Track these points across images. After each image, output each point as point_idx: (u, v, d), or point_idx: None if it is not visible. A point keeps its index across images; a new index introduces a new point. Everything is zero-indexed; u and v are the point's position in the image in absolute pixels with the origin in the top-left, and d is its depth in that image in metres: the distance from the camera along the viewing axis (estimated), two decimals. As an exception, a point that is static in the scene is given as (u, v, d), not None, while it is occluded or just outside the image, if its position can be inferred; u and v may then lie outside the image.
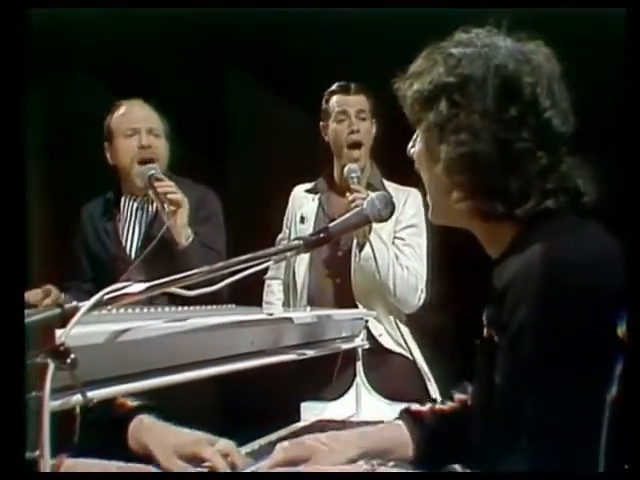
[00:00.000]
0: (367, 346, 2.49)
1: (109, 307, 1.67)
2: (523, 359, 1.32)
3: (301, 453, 1.62)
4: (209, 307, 2.19)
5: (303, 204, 3.41)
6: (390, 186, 3.31)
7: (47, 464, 1.17)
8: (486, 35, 1.52)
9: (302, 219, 3.35)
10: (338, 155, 3.34)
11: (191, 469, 1.60)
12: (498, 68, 1.45)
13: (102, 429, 1.59)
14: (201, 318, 1.75)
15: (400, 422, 1.73)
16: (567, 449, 1.28)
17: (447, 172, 1.49)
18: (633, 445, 1.32)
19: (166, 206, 2.93)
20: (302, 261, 3.27)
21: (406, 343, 3.16)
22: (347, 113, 3.30)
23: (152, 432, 1.67)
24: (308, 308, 2.87)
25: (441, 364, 3.29)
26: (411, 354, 3.15)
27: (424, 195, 1.64)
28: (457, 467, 1.40)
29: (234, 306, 2.43)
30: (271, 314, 2.03)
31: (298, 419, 2.33)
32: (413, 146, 1.59)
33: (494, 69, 1.45)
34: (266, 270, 3.07)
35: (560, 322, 1.30)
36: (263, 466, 1.64)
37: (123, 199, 3.17)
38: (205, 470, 1.63)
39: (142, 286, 1.50)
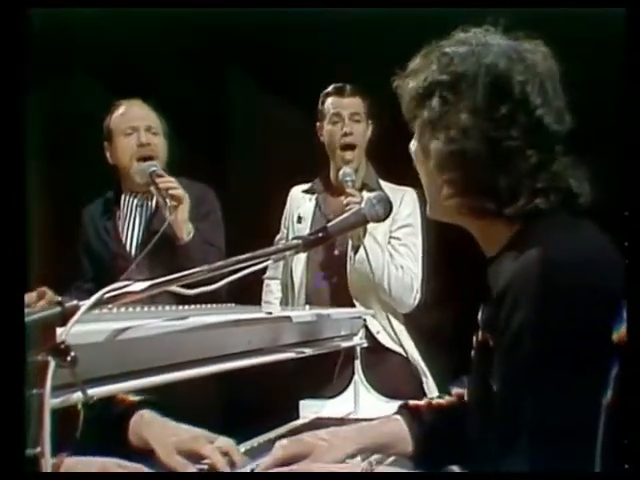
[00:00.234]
0: (366, 344, 2.51)
1: (110, 306, 1.69)
2: (522, 361, 1.33)
3: (300, 450, 1.62)
4: (208, 306, 2.21)
5: (300, 204, 3.44)
6: (386, 186, 3.33)
7: (48, 461, 1.18)
8: (482, 34, 1.53)
9: (299, 219, 3.38)
10: (332, 156, 3.38)
11: (190, 466, 1.61)
12: (489, 66, 1.46)
13: (103, 425, 1.60)
14: (200, 317, 1.76)
15: (398, 417, 1.73)
16: (566, 449, 1.29)
17: (438, 168, 1.50)
18: (633, 445, 1.34)
19: (168, 201, 2.96)
20: (299, 261, 3.29)
21: (400, 341, 3.18)
22: (341, 115, 3.34)
23: (152, 428, 1.68)
24: (307, 307, 2.89)
25: (438, 361, 3.31)
26: (405, 351, 3.16)
27: (420, 194, 1.65)
28: (455, 468, 1.41)
29: (234, 305, 2.45)
30: (270, 313, 2.04)
31: (297, 417, 2.34)
32: (413, 144, 1.61)
33: (485, 67, 1.46)
34: (265, 270, 3.09)
35: (558, 323, 1.31)
36: (263, 464, 1.64)
37: (123, 197, 3.20)
38: (204, 467, 1.65)
39: (142, 285, 1.51)
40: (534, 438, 1.30)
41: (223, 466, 1.63)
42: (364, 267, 3.12)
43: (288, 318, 2.07)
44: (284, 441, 1.67)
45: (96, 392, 1.33)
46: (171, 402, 1.76)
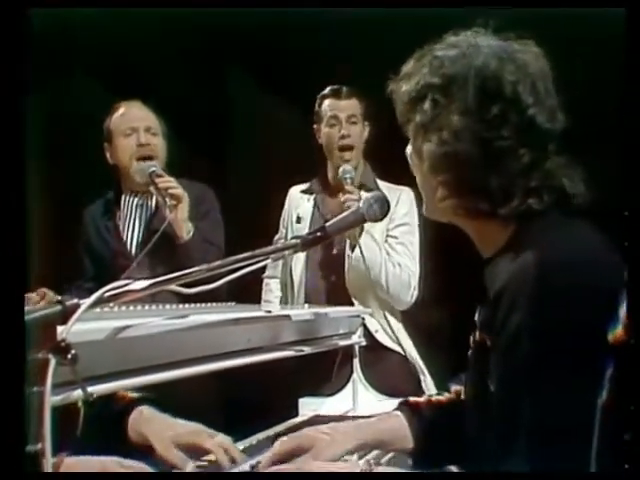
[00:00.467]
0: (364, 343, 2.53)
1: (111, 304, 1.71)
2: (519, 361, 1.34)
3: (301, 444, 1.64)
4: (208, 305, 2.22)
5: (299, 204, 3.46)
6: (383, 185, 3.36)
7: (48, 457, 1.19)
8: (473, 36, 1.54)
9: (298, 219, 3.41)
10: (330, 157, 3.40)
11: (189, 460, 1.63)
12: (480, 67, 1.47)
13: (103, 422, 1.62)
14: (200, 315, 1.78)
15: (398, 413, 1.75)
16: (563, 449, 1.30)
17: (432, 170, 1.52)
18: (633, 445, 1.35)
19: (167, 200, 2.98)
20: (299, 260, 3.31)
21: (398, 340, 3.19)
22: (338, 118, 3.37)
23: (151, 423, 1.70)
24: (306, 306, 2.90)
25: (437, 360, 3.32)
26: (403, 350, 3.17)
27: (417, 193, 1.66)
28: (454, 469, 1.42)
29: (233, 304, 2.46)
30: (269, 311, 2.06)
31: (296, 414, 2.36)
32: (409, 148, 1.62)
33: (476, 69, 1.47)
34: (264, 269, 3.10)
35: (554, 324, 1.32)
36: (265, 458, 1.65)
37: (123, 197, 3.22)
38: (203, 463, 1.66)
39: (142, 284, 1.53)
40: (532, 438, 1.31)
41: (224, 461, 1.64)
42: (361, 265, 3.13)
43: (287, 317, 2.09)
44: (285, 437, 1.69)
45: (96, 390, 1.34)
46: (171, 400, 1.78)
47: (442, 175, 1.50)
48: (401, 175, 1.68)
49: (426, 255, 3.36)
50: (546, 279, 1.35)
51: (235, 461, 1.68)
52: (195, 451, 1.67)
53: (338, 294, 3.22)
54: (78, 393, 1.29)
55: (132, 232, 3.17)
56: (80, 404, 1.31)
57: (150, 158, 3.10)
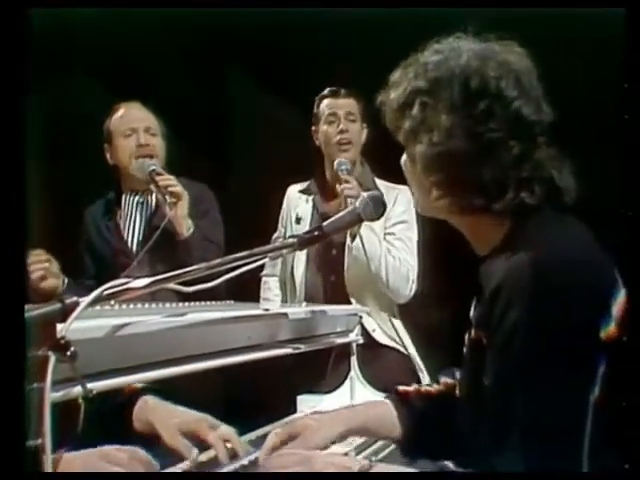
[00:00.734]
0: (361, 341, 2.55)
1: (112, 303, 1.73)
2: (514, 358, 1.36)
3: (291, 431, 1.68)
4: (207, 303, 2.24)
5: (298, 204, 3.49)
6: (381, 184, 3.38)
7: (48, 453, 1.21)
8: (454, 41, 1.58)
9: (297, 220, 3.43)
10: (329, 156, 3.42)
11: (194, 448, 1.64)
12: (463, 67, 1.51)
13: (106, 414, 1.63)
14: (199, 313, 1.80)
15: (387, 401, 1.78)
16: (556, 445, 1.32)
17: (425, 171, 1.54)
18: (633, 445, 1.38)
19: (167, 198, 3.01)
20: (300, 260, 3.34)
21: (399, 337, 3.21)
22: (336, 115, 3.40)
23: (157, 412, 1.72)
24: (304, 304, 2.92)
25: (434, 357, 3.33)
26: (404, 347, 3.19)
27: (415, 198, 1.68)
28: (449, 464, 1.44)
29: (233, 302, 2.48)
30: (267, 310, 2.08)
31: (294, 411, 2.37)
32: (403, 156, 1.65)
33: (459, 68, 1.51)
34: (262, 267, 3.12)
35: (549, 322, 1.34)
36: (262, 452, 1.67)
37: (124, 196, 3.26)
38: (203, 459, 1.68)
39: (141, 282, 1.55)
40: (525, 434, 1.33)
41: (224, 455, 1.66)
42: (361, 255, 3.15)
43: (285, 315, 2.11)
44: (276, 429, 1.73)
45: (96, 386, 1.36)
46: (170, 397, 1.80)
47: (435, 175, 1.53)
48: (399, 174, 1.69)
49: (424, 253, 3.38)
50: (542, 277, 1.37)
51: (237, 454, 1.69)
52: (199, 441, 1.69)
53: (337, 294, 3.25)
54: (78, 389, 1.31)
55: (133, 230, 3.20)
56: (80, 401, 1.33)
57: (150, 158, 3.13)
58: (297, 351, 2.11)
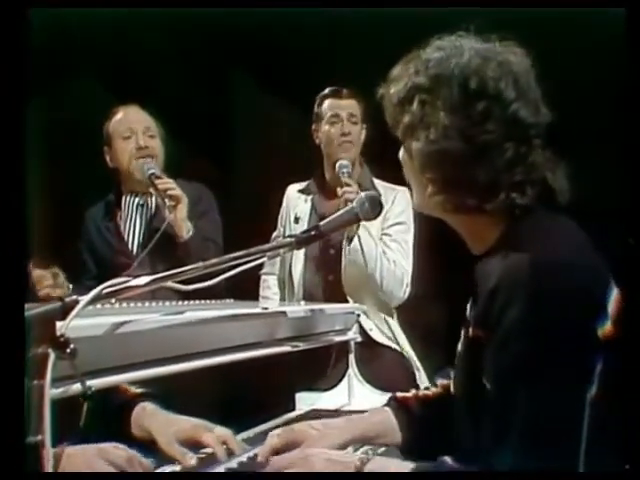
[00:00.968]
0: (359, 339, 2.57)
1: (112, 301, 1.75)
2: (513, 357, 1.37)
3: (293, 438, 1.68)
4: (207, 302, 2.26)
5: (297, 204, 3.50)
6: (379, 185, 3.39)
7: (48, 448, 1.23)
8: (456, 39, 1.58)
9: (296, 219, 3.45)
10: (329, 156, 3.42)
11: (190, 454, 1.66)
12: (463, 66, 1.51)
13: (105, 416, 1.65)
14: (198, 312, 1.82)
15: (387, 409, 1.79)
16: (554, 444, 1.33)
17: (421, 168, 1.55)
18: (633, 445, 1.40)
19: (167, 202, 3.03)
20: (298, 259, 3.36)
21: (396, 336, 3.23)
22: (339, 116, 3.39)
23: (154, 419, 1.73)
24: (302, 302, 2.95)
25: (431, 356, 3.35)
26: (401, 346, 3.21)
27: (412, 193, 1.70)
28: (447, 459, 1.45)
29: (232, 301, 2.50)
30: (266, 308, 2.10)
31: (293, 408, 2.39)
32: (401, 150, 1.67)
33: (459, 68, 1.51)
34: (261, 266, 3.14)
35: (548, 320, 1.36)
36: (260, 453, 1.68)
37: (124, 197, 3.28)
38: (202, 455, 1.70)
39: (140, 281, 1.57)
40: (523, 432, 1.34)
41: (222, 453, 1.69)
42: (358, 257, 3.17)
43: (283, 313, 2.13)
44: (277, 430, 1.73)
45: (95, 383, 1.38)
46: (170, 394, 1.82)
47: (431, 172, 1.54)
48: (398, 175, 1.71)
49: (421, 253, 3.39)
50: (540, 277, 1.38)
51: (233, 452, 1.72)
52: (196, 445, 1.71)
53: (335, 293, 3.26)
54: (77, 387, 1.33)
55: (133, 232, 3.23)
56: (82, 399, 1.35)
57: (149, 159, 3.16)
58: (296, 349, 2.13)
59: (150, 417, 1.75)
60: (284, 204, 3.56)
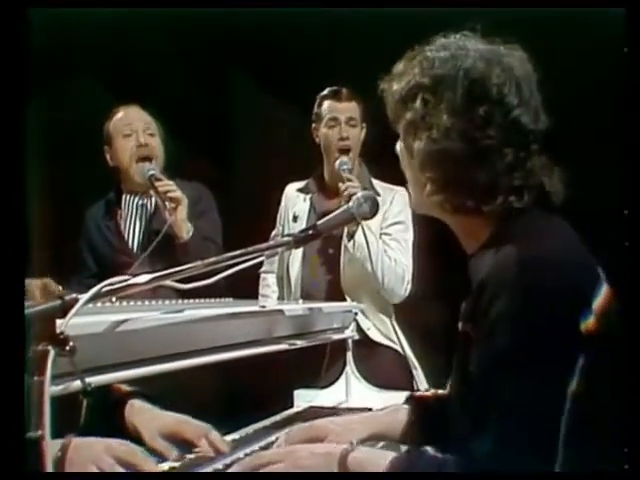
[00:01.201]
0: (357, 337, 2.59)
1: (112, 299, 1.77)
2: (496, 347, 1.40)
3: (314, 434, 1.70)
4: (206, 300, 2.28)
5: (296, 203, 3.52)
6: (378, 185, 3.41)
7: (48, 443, 1.24)
8: (461, 40, 1.60)
9: (295, 218, 3.46)
10: (328, 157, 3.45)
11: (173, 450, 1.68)
12: (468, 70, 1.53)
13: (103, 413, 1.67)
14: (197, 310, 1.84)
15: (407, 406, 1.81)
16: (533, 433, 1.36)
17: (421, 167, 1.57)
18: (632, 445, 1.42)
19: (167, 203, 3.05)
20: (296, 258, 3.37)
21: (394, 335, 3.24)
22: (338, 120, 3.41)
23: (140, 415, 1.76)
24: (300, 301, 2.97)
25: (429, 355, 3.37)
26: (399, 345, 3.22)
27: (408, 189, 1.71)
28: (429, 448, 1.48)
29: (231, 299, 2.52)
30: (264, 306, 2.12)
31: (291, 405, 2.41)
32: (399, 144, 1.68)
33: (464, 71, 1.53)
34: (260, 264, 3.16)
35: (532, 314, 1.38)
36: (280, 444, 1.70)
37: (124, 197, 3.31)
38: (191, 456, 1.72)
39: (139, 279, 1.59)
40: (502, 420, 1.37)
41: (205, 447, 1.71)
42: (359, 255, 3.18)
43: (281, 311, 2.15)
44: (296, 427, 1.77)
45: (95, 380, 1.40)
46: (168, 392, 1.84)
47: (431, 172, 1.56)
48: (396, 175, 1.73)
49: (420, 253, 3.41)
50: (525, 271, 1.41)
51: (219, 450, 1.73)
52: (179, 440, 1.72)
53: (333, 292, 3.29)
54: (77, 384, 1.35)
55: (133, 231, 3.25)
56: (82, 396, 1.36)
57: (149, 158, 3.19)
58: (293, 347, 2.15)
59: (137, 413, 1.77)
60: (283, 203, 3.58)
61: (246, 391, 2.16)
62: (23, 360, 1.24)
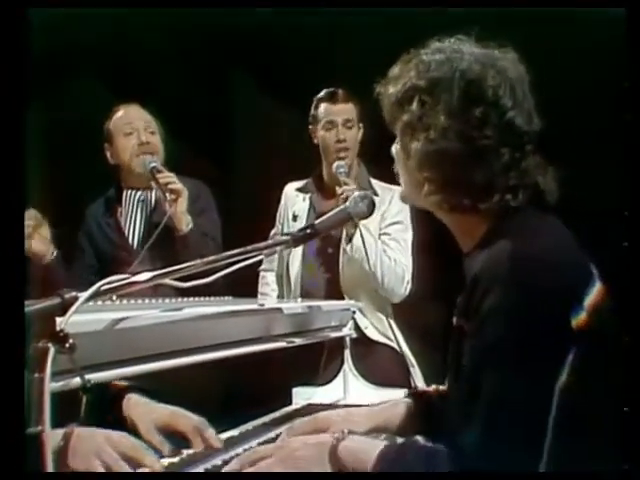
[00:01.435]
0: (354, 335, 2.61)
1: (113, 298, 1.79)
2: (487, 340, 1.43)
3: (317, 426, 1.73)
4: (205, 299, 2.29)
5: (295, 202, 3.55)
6: (377, 185, 3.44)
7: (48, 440, 1.25)
8: (456, 43, 1.62)
9: (294, 217, 3.49)
10: (326, 159, 3.48)
11: (166, 444, 1.70)
12: (464, 72, 1.56)
13: (101, 408, 1.69)
14: (196, 308, 1.85)
15: (409, 400, 1.84)
16: (521, 426, 1.38)
17: (419, 167, 1.60)
18: (632, 446, 1.44)
19: (167, 195, 3.08)
20: (296, 256, 3.40)
21: (391, 334, 3.25)
22: (334, 122, 3.44)
23: (136, 409, 1.77)
24: (299, 299, 2.99)
25: (427, 354, 3.38)
26: (396, 344, 3.24)
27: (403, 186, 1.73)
28: (419, 438, 1.50)
29: (230, 298, 2.54)
30: (262, 305, 2.13)
31: (290, 403, 2.42)
32: (395, 146, 1.70)
33: (459, 73, 1.56)
34: (260, 262, 3.18)
35: (523, 308, 1.41)
36: (283, 437, 1.73)
37: (125, 193, 3.34)
38: (187, 452, 1.73)
39: (138, 277, 1.60)
40: (491, 414, 1.39)
41: (197, 441, 1.72)
42: (358, 256, 3.20)
43: (279, 310, 2.17)
44: (298, 420, 1.81)
45: (94, 377, 1.41)
46: (167, 389, 1.85)
47: (429, 172, 1.59)
48: (395, 175, 1.75)
49: (419, 252, 3.43)
50: (517, 267, 1.43)
51: (212, 446, 1.74)
52: (173, 433, 1.74)
53: (332, 291, 3.31)
54: (76, 380, 1.36)
55: (134, 227, 3.28)
56: (81, 393, 1.38)
57: (150, 155, 3.21)
58: (291, 345, 2.17)
59: (133, 407, 1.78)
60: (282, 202, 3.61)
61: (245, 388, 2.18)
62: (23, 357, 1.25)
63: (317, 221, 1.93)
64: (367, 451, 1.49)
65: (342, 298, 3.23)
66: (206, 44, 4.37)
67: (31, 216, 2.99)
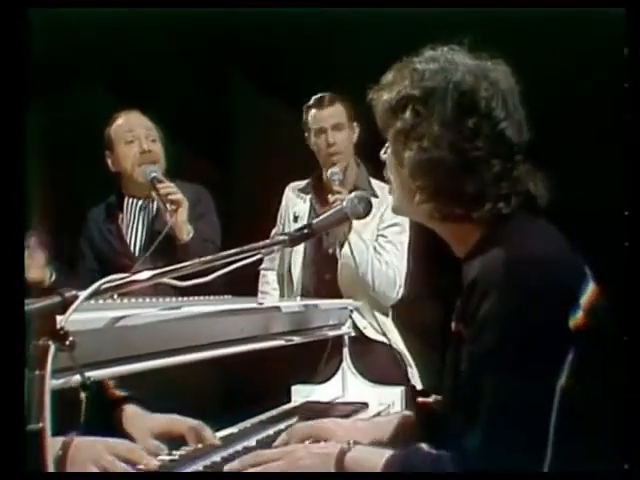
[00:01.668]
0: (353, 333, 2.63)
1: (114, 297, 1.80)
2: (486, 345, 1.43)
3: (317, 434, 1.74)
4: (205, 297, 2.31)
5: (296, 203, 3.57)
6: (376, 185, 3.44)
7: (48, 436, 1.26)
8: (449, 53, 1.63)
9: (295, 218, 3.51)
10: (322, 164, 3.52)
11: (163, 449, 1.71)
12: (457, 83, 1.56)
13: (102, 411, 1.71)
14: (195, 307, 1.87)
15: (409, 413, 1.86)
16: (523, 428, 1.39)
17: (411, 176, 1.60)
18: (632, 445, 1.45)
19: (168, 206, 3.08)
20: (298, 256, 3.42)
21: (390, 335, 3.27)
22: (323, 128, 3.48)
23: (133, 420, 1.80)
24: (298, 298, 3.00)
25: (426, 355, 3.40)
26: (395, 344, 3.26)
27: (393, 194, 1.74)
28: (423, 445, 1.51)
29: (230, 297, 2.55)
30: (261, 303, 2.15)
31: (289, 400, 2.45)
32: (385, 152, 1.71)
33: (454, 84, 1.56)
34: (260, 262, 3.20)
35: (520, 311, 1.42)
36: (278, 442, 1.74)
37: (126, 200, 3.34)
38: (182, 452, 1.74)
39: (138, 276, 1.62)
40: (492, 416, 1.40)
41: (194, 442, 1.74)
42: (350, 262, 3.24)
43: (278, 308, 2.18)
44: (301, 424, 1.80)
45: (94, 375, 1.42)
46: (167, 387, 1.87)
47: (421, 180, 1.59)
48: (387, 181, 1.75)
49: (417, 254, 3.44)
50: (514, 271, 1.45)
51: (205, 440, 1.76)
52: (172, 438, 1.76)
53: (332, 291, 3.31)
54: (77, 378, 1.38)
55: (135, 234, 3.29)
56: (82, 396, 1.39)
57: (152, 164, 3.22)
58: (290, 343, 2.19)
59: (130, 418, 1.81)
60: (283, 202, 3.63)
61: (244, 386, 2.19)
62: (24, 355, 1.27)
63: (314, 221, 1.95)
64: (373, 461, 1.50)
65: (341, 298, 3.23)
66: (206, 44, 4.38)
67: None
